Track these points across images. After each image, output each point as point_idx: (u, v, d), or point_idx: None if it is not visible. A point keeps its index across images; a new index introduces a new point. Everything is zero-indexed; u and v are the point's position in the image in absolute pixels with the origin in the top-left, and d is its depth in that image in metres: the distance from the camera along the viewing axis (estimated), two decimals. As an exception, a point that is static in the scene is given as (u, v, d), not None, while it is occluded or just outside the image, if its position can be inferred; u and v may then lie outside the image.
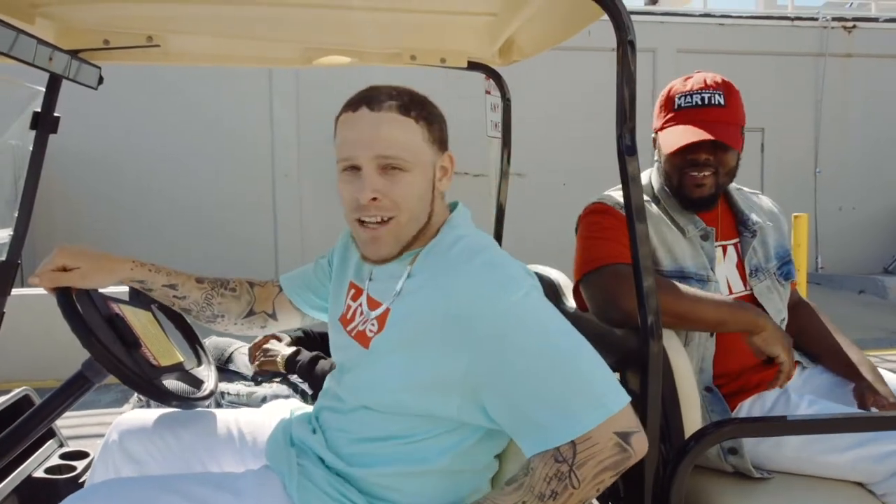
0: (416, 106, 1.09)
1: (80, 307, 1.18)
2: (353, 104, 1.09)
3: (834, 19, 9.30)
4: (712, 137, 1.43)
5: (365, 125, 1.07)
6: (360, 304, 1.18)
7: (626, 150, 1.10)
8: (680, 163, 1.49)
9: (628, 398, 0.96)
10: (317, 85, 7.96)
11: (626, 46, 1.07)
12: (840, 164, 9.46)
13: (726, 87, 1.50)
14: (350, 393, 1.14)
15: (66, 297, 1.18)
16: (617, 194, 1.55)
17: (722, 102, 1.47)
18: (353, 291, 1.23)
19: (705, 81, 1.50)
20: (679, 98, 1.51)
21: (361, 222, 1.09)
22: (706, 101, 1.47)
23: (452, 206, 1.20)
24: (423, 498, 1.08)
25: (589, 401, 0.94)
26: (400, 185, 1.07)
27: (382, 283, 1.15)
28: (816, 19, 9.30)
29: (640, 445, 0.96)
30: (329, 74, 7.86)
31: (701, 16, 9.22)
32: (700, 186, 1.48)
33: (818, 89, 9.33)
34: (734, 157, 1.51)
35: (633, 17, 1.09)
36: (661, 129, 1.53)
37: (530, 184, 8.04)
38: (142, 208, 7.96)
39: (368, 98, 1.08)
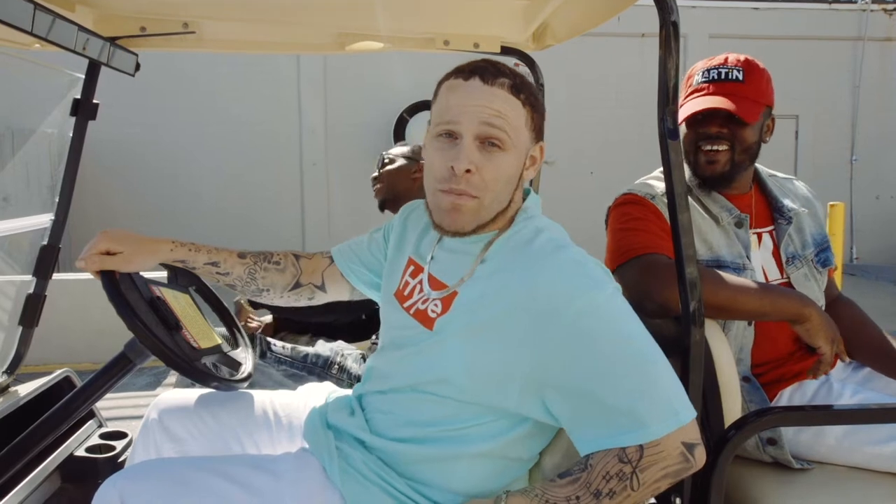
0: (525, 89, 1.09)
1: (123, 290, 1.20)
2: (466, 72, 1.08)
3: (874, 1, 9.00)
4: (724, 106, 1.38)
5: (476, 94, 1.06)
6: (420, 282, 1.16)
7: (669, 134, 1.07)
8: (693, 136, 1.45)
9: (695, 412, 0.97)
10: (344, 71, 7.97)
11: (669, 28, 1.04)
12: (878, 151, 9.18)
13: (748, 65, 1.45)
14: (402, 372, 1.13)
15: (111, 281, 1.20)
16: (647, 184, 1.52)
17: (740, 78, 1.43)
18: (412, 268, 1.21)
19: (727, 59, 1.47)
20: (698, 74, 1.48)
21: (445, 191, 1.07)
22: (723, 76, 1.44)
23: (525, 193, 1.18)
24: (464, 483, 1.08)
25: (663, 408, 0.94)
26: (494, 163, 1.05)
27: (446, 264, 1.14)
28: (855, 2, 9.01)
29: (702, 457, 0.97)
30: (356, 60, 7.87)
31: (734, -1, 9.01)
32: (712, 163, 1.44)
33: (856, 75, 9.05)
34: (752, 134, 1.44)
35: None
36: (680, 107, 1.48)
37: (558, 172, 7.96)
38: (169, 196, 8.05)
39: (482, 70, 1.07)
